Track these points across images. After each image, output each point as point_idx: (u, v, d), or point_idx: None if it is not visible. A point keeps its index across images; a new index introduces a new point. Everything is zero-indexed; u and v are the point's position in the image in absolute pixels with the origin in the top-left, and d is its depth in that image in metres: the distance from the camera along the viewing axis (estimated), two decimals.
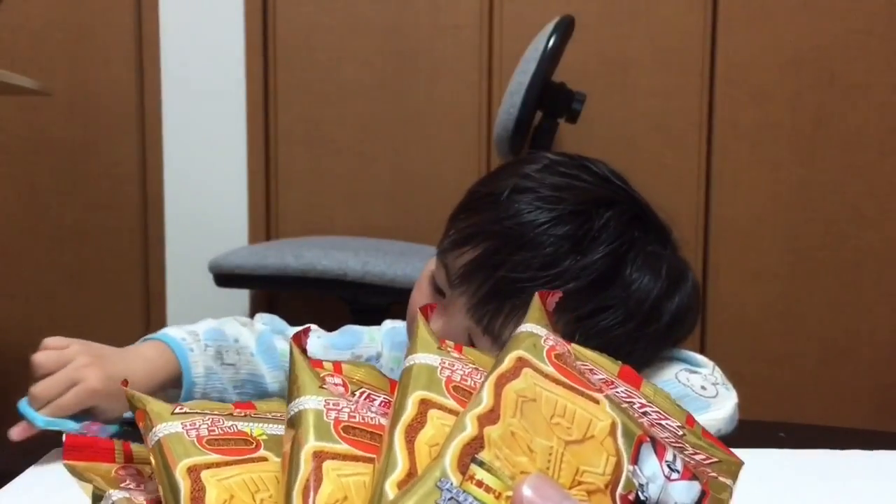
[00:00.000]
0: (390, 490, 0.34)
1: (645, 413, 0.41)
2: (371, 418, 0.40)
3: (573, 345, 0.45)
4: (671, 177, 2.08)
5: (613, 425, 0.36)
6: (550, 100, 1.57)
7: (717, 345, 2.09)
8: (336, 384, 0.43)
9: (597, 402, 0.37)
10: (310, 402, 0.40)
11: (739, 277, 2.10)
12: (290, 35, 2.14)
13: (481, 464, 0.33)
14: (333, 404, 0.40)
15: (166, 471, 0.40)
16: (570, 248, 0.69)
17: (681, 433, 0.41)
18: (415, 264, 1.60)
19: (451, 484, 0.33)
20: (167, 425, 0.43)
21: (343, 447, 0.38)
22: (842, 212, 2.08)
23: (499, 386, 0.36)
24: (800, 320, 2.09)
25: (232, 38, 2.14)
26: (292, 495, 0.35)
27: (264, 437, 0.44)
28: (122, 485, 0.44)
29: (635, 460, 0.35)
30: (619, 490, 0.35)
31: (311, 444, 0.37)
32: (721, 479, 0.38)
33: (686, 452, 0.39)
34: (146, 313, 2.20)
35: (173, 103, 2.16)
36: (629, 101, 2.09)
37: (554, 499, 0.31)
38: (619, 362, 0.45)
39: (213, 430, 0.43)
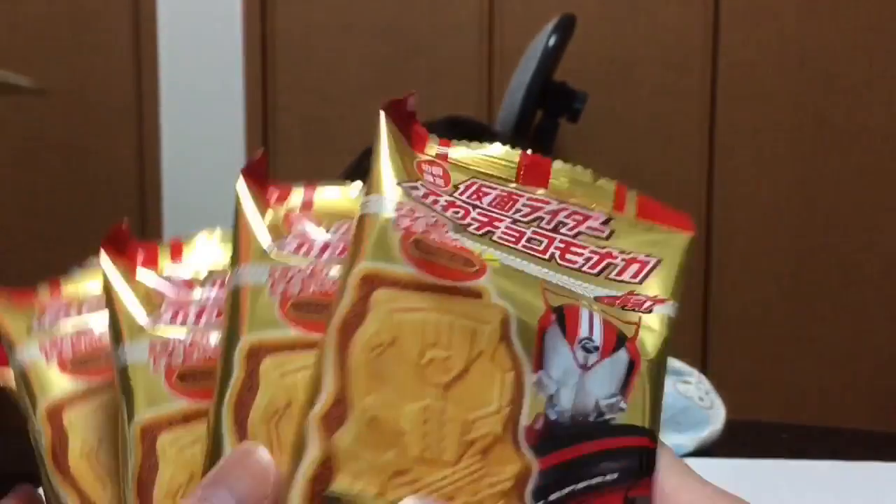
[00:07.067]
0: None
1: (558, 227, 0.32)
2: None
3: (450, 160, 0.34)
4: (673, 176, 2.07)
5: (504, 323, 0.28)
6: (551, 99, 1.57)
7: (720, 345, 2.08)
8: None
9: (478, 294, 0.28)
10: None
11: (742, 277, 2.09)
12: (289, 34, 2.13)
13: (337, 501, 0.26)
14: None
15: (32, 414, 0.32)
16: None
17: (607, 233, 0.32)
18: None
19: None
20: (25, 347, 0.33)
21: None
22: (845, 212, 2.07)
23: (342, 348, 0.27)
24: (802, 321, 2.08)
25: (230, 36, 2.14)
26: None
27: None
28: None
29: (539, 362, 0.28)
30: (523, 421, 0.27)
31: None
32: (656, 309, 0.30)
33: (612, 273, 0.31)
34: None
35: (171, 102, 2.16)
36: (631, 100, 2.08)
37: None
38: (519, 152, 0.34)
39: (78, 346, 0.33)
